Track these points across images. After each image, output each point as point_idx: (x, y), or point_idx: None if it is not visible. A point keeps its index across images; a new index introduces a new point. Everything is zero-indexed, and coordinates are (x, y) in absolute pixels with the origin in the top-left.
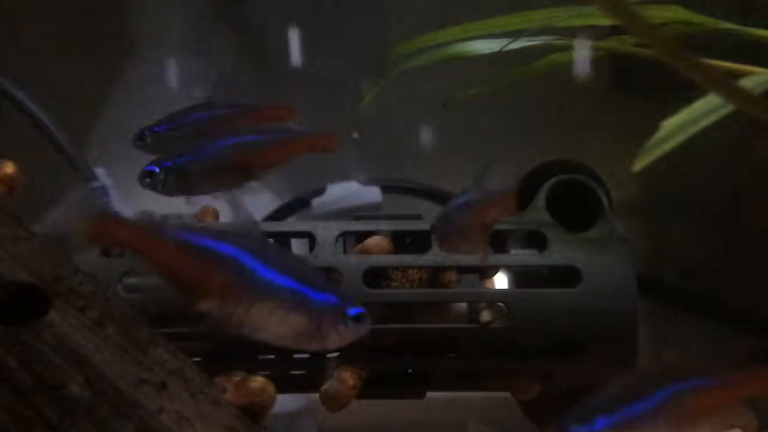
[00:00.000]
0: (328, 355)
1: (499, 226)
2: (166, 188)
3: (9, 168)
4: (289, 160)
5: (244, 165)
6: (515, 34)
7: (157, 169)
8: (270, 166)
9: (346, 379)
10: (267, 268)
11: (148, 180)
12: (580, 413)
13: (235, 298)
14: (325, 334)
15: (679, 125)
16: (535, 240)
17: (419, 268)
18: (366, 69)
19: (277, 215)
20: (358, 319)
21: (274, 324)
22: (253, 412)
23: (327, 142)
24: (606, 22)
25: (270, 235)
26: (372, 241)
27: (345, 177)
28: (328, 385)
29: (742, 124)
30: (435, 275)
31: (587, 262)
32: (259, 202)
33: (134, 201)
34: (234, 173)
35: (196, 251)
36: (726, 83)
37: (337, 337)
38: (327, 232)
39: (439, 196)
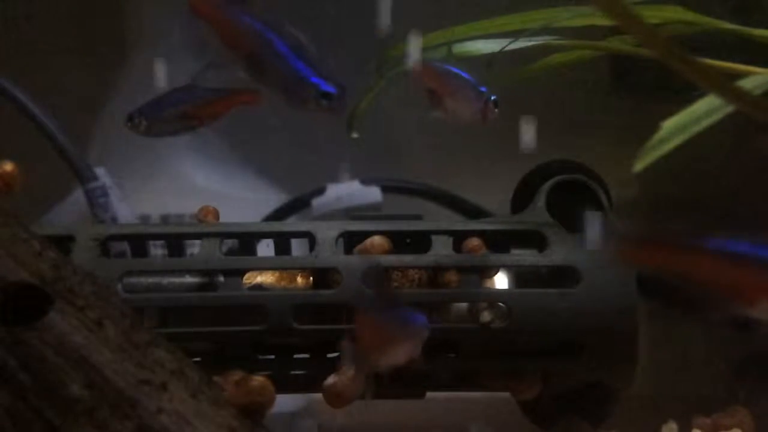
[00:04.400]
0: (329, 355)
1: (499, 227)
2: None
3: (8, 167)
4: (227, 112)
5: (194, 115)
6: (515, 34)
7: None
8: (213, 116)
9: (353, 376)
10: None
11: (129, 124)
12: None
13: None
14: None
15: (679, 125)
16: (535, 240)
17: (419, 268)
18: (366, 69)
19: (277, 215)
20: None
21: None
22: (253, 411)
23: (253, 98)
24: (606, 22)
25: (269, 235)
26: (372, 241)
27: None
28: (334, 381)
29: (743, 124)
30: (435, 275)
31: (587, 262)
32: (259, 201)
33: (134, 201)
34: (187, 121)
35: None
36: (724, 84)
37: None
38: (327, 232)
39: (439, 196)
